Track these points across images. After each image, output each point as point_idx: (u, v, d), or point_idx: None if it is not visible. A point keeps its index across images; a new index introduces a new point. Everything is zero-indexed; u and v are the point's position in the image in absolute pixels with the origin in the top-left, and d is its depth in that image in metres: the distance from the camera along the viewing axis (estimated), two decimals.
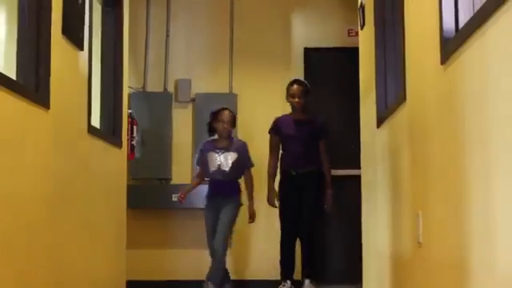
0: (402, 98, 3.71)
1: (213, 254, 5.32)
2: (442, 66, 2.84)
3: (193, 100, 6.95)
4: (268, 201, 5.58)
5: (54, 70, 3.78)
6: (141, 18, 6.96)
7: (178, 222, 6.81)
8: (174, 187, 6.58)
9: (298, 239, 5.53)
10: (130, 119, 5.95)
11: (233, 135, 5.68)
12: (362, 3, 5.38)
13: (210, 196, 5.50)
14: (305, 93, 5.56)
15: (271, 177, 5.64)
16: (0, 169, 3.11)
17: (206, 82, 6.95)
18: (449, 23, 2.78)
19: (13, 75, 3.53)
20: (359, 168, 5.52)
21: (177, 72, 6.99)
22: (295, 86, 5.57)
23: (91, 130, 4.52)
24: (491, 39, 2.22)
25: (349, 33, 6.79)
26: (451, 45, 2.70)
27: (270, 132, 5.65)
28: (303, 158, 5.51)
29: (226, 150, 5.46)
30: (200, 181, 5.68)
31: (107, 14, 5.33)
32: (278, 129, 5.63)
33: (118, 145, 5.39)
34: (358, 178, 5.55)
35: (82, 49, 4.36)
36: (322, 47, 6.81)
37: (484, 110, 2.31)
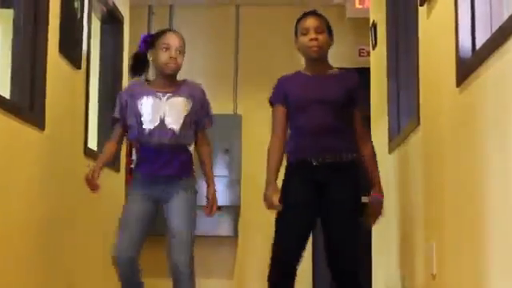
0: (415, 122, 3.71)
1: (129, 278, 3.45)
2: (458, 89, 2.83)
3: None
4: (265, 199, 3.49)
5: (49, 89, 3.79)
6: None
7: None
8: None
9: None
10: (128, 141, 5.94)
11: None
12: (373, 22, 5.40)
13: (144, 177, 3.49)
14: (327, 29, 3.57)
15: (272, 166, 3.55)
16: None
17: (210, 103, 6.95)
18: (466, 43, 2.78)
19: (7, 94, 3.54)
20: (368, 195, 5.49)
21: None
22: (310, 18, 3.56)
23: (88, 152, 4.52)
24: (510, 61, 2.22)
25: (360, 53, 6.81)
26: (468, 66, 2.69)
27: (270, 101, 3.64)
28: (329, 137, 3.48)
29: (173, 93, 3.51)
30: (117, 147, 3.59)
31: (106, 31, 5.37)
32: (283, 93, 3.58)
33: (116, 169, 5.38)
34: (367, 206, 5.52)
35: (79, 68, 4.39)
36: None
37: (503, 136, 2.29)
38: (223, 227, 6.68)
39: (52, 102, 3.82)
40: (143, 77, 3.70)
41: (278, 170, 3.58)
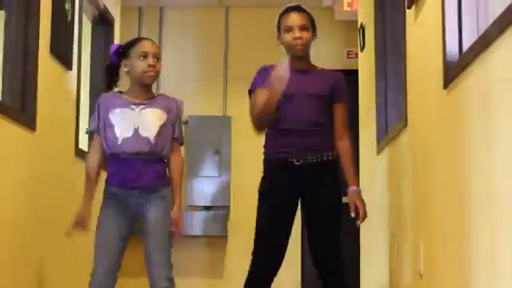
0: (403, 123, 3.72)
1: None
2: (444, 90, 2.85)
3: (185, 123, 6.96)
4: (272, 81, 3.29)
5: (40, 90, 3.79)
6: (132, 37, 6.98)
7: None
8: None
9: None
10: None
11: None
12: (362, 24, 5.42)
13: (117, 189, 3.28)
14: (310, 25, 3.53)
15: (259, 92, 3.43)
16: None
17: (200, 104, 6.95)
18: (452, 46, 2.80)
19: None
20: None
21: (168, 93, 6.99)
22: (293, 15, 3.50)
23: (79, 152, 4.52)
24: (495, 63, 2.24)
25: (348, 55, 6.83)
26: (454, 68, 2.71)
27: (250, 90, 3.58)
28: (311, 132, 3.43)
29: (148, 104, 3.34)
30: (100, 160, 3.37)
31: (97, 33, 5.36)
32: (264, 81, 3.41)
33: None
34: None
35: (70, 68, 4.39)
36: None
37: (489, 136, 2.31)
38: (213, 227, 6.69)
39: (43, 102, 3.82)
40: (115, 88, 3.50)
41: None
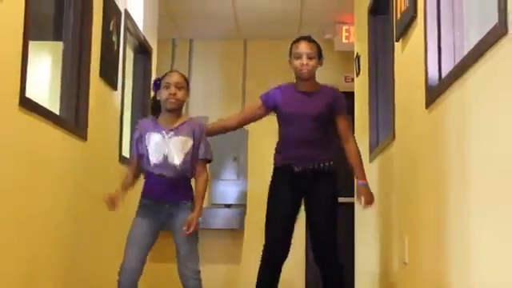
0: (391, 137, 3.71)
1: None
2: (426, 110, 2.84)
3: None
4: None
5: (91, 106, 3.81)
6: (167, 64, 6.99)
7: None
8: None
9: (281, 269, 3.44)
10: None
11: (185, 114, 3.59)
12: (357, 54, 5.41)
13: (150, 204, 3.23)
14: (317, 54, 3.50)
15: (219, 122, 3.74)
16: (44, 190, 3.11)
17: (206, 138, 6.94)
18: (433, 72, 2.79)
19: (57, 110, 3.56)
20: (352, 196, 5.48)
21: (196, 110, 7.01)
22: (303, 44, 3.48)
23: (122, 159, 4.53)
24: (470, 88, 2.23)
25: (345, 79, 6.82)
26: (435, 91, 2.70)
27: (260, 96, 3.63)
28: (310, 147, 3.42)
29: (176, 131, 3.27)
30: (135, 175, 3.34)
31: (138, 60, 5.38)
32: (273, 101, 3.53)
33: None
34: (351, 204, 5.51)
35: (115, 89, 4.40)
36: None
37: (463, 149, 2.30)
38: (232, 222, 6.69)
39: (93, 117, 3.84)
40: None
41: (219, 127, 3.65)
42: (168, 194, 3.20)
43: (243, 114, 3.72)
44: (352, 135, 3.56)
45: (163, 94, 3.25)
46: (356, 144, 3.53)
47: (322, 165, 3.42)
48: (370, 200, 3.46)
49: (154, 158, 3.21)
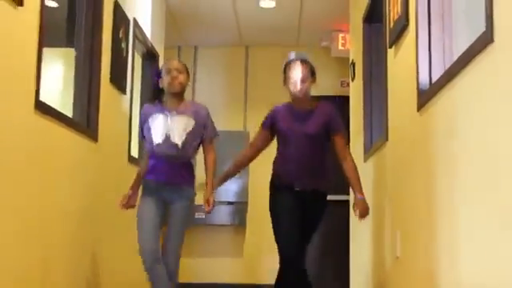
0: (384, 138, 3.72)
1: (152, 269, 3.18)
2: (418, 113, 2.85)
3: None
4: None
5: (102, 109, 3.82)
6: None
7: (200, 235, 6.80)
8: (198, 207, 6.57)
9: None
10: None
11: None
12: (353, 60, 5.42)
13: (152, 183, 3.28)
14: (310, 74, 3.44)
15: (233, 166, 3.62)
16: (57, 188, 3.14)
17: (225, 121, 6.98)
18: (424, 77, 2.80)
19: (70, 114, 3.59)
20: (348, 194, 5.50)
21: None
22: (295, 69, 3.40)
23: (131, 159, 4.55)
24: (458, 92, 2.26)
25: (341, 84, 6.83)
26: (426, 95, 2.72)
27: (261, 124, 3.60)
28: (309, 164, 3.37)
29: (178, 111, 3.32)
30: (147, 162, 3.36)
31: (146, 66, 5.40)
32: (271, 122, 3.50)
33: None
34: (346, 202, 5.53)
35: (125, 93, 4.42)
36: (319, 95, 6.80)
37: (452, 149, 2.33)
38: (235, 218, 6.73)
39: (104, 119, 3.85)
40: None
41: (235, 168, 3.58)
42: (169, 175, 3.24)
43: (255, 147, 3.61)
44: (349, 153, 3.49)
45: (165, 80, 3.33)
46: (353, 161, 3.47)
47: (320, 185, 3.39)
48: (364, 213, 3.44)
49: (157, 137, 3.25)
